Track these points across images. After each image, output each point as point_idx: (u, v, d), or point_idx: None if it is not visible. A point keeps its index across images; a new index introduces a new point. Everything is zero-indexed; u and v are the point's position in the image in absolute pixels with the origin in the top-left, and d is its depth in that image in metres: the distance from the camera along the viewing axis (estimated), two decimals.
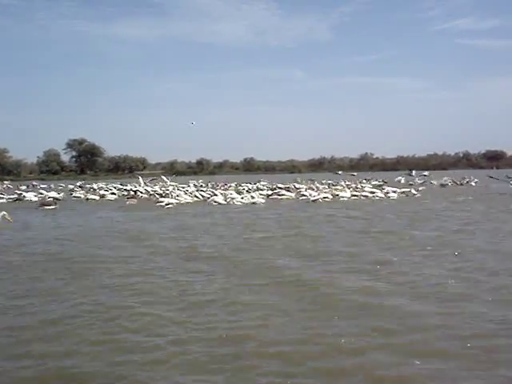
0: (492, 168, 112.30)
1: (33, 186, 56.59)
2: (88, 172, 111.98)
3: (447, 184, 47.75)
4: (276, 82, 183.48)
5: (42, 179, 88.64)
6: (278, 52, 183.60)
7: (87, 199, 36.83)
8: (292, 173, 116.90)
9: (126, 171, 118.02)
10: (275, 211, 25.47)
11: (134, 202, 32.65)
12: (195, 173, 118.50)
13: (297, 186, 42.95)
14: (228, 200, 31.59)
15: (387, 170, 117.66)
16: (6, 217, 18.45)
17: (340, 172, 54.76)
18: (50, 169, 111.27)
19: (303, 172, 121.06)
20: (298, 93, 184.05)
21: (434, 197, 34.03)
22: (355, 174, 54.37)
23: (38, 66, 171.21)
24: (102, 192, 40.64)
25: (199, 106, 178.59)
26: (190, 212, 25.94)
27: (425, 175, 51.15)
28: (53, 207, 29.94)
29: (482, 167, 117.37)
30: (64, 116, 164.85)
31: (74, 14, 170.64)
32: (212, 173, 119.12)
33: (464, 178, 51.57)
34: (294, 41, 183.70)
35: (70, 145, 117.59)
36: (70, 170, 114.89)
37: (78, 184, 52.49)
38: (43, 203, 31.24)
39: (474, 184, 48.45)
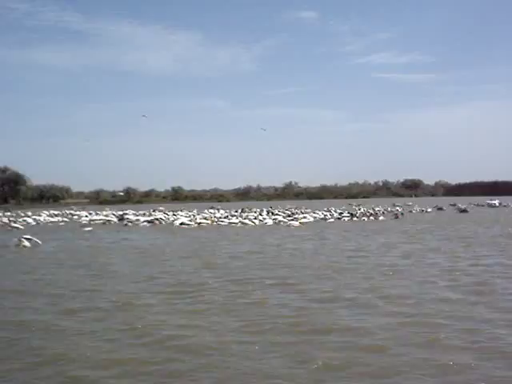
0: (411, 196, 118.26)
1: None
2: (11, 201, 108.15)
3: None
4: (199, 111, 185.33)
5: None
6: (202, 82, 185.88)
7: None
8: (220, 201, 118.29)
9: (51, 200, 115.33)
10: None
11: None
12: (123, 201, 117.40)
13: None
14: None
15: (311, 199, 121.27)
16: None
17: None
18: None
19: (231, 201, 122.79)
20: (221, 123, 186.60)
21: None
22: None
23: None
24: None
25: (123, 134, 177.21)
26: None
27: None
28: (90, 228, 36.10)
29: (401, 195, 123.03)
30: None
31: None
32: (139, 202, 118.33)
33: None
34: (218, 71, 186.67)
35: None
36: None
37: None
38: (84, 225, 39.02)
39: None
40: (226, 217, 43.27)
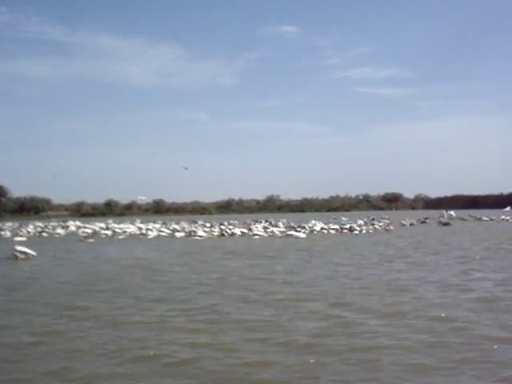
0: (391, 209, 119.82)
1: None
2: None
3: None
4: (181, 124, 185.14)
5: None
6: (183, 95, 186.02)
7: None
8: (202, 214, 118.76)
9: (32, 212, 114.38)
10: None
11: None
12: (104, 214, 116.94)
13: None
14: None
15: (294, 212, 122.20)
16: None
17: None
18: None
19: (213, 213, 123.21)
20: (203, 135, 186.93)
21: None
22: None
23: None
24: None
25: (104, 146, 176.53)
26: None
27: None
28: (93, 240, 36.58)
29: (381, 208, 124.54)
30: None
31: None
32: (121, 214, 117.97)
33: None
34: (200, 84, 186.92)
35: None
36: None
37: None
38: (86, 237, 39.10)
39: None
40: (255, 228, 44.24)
